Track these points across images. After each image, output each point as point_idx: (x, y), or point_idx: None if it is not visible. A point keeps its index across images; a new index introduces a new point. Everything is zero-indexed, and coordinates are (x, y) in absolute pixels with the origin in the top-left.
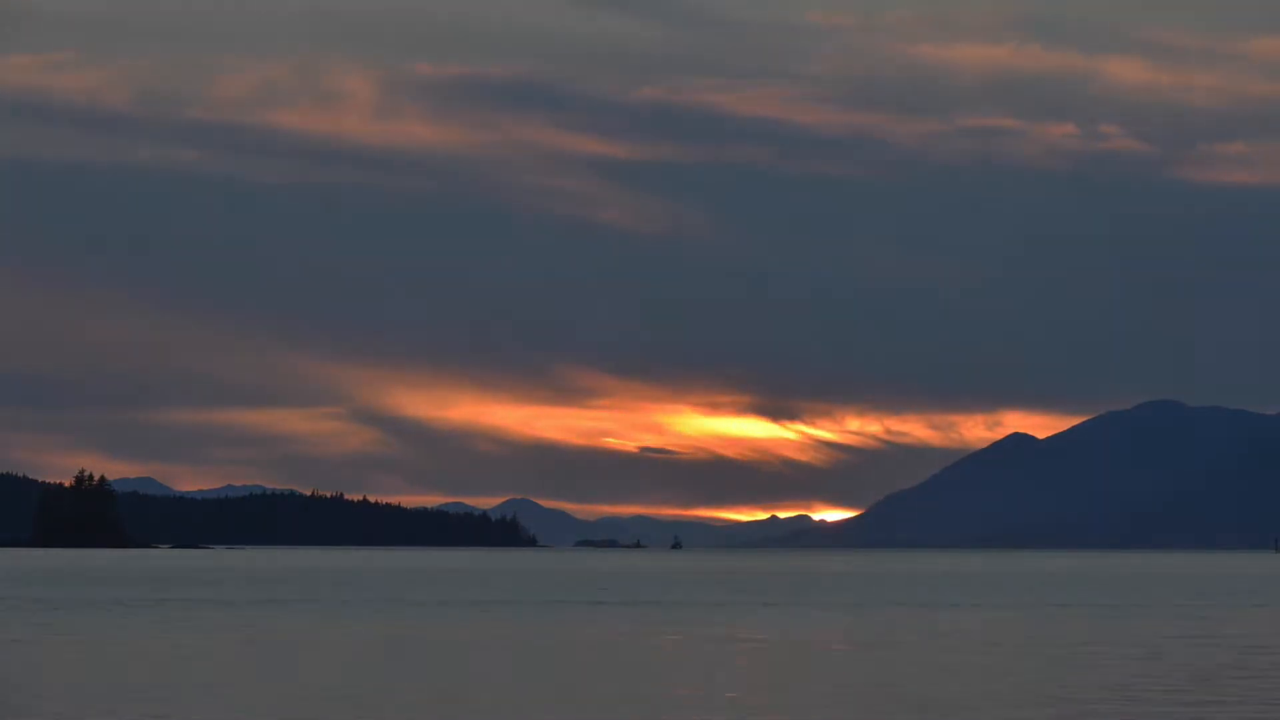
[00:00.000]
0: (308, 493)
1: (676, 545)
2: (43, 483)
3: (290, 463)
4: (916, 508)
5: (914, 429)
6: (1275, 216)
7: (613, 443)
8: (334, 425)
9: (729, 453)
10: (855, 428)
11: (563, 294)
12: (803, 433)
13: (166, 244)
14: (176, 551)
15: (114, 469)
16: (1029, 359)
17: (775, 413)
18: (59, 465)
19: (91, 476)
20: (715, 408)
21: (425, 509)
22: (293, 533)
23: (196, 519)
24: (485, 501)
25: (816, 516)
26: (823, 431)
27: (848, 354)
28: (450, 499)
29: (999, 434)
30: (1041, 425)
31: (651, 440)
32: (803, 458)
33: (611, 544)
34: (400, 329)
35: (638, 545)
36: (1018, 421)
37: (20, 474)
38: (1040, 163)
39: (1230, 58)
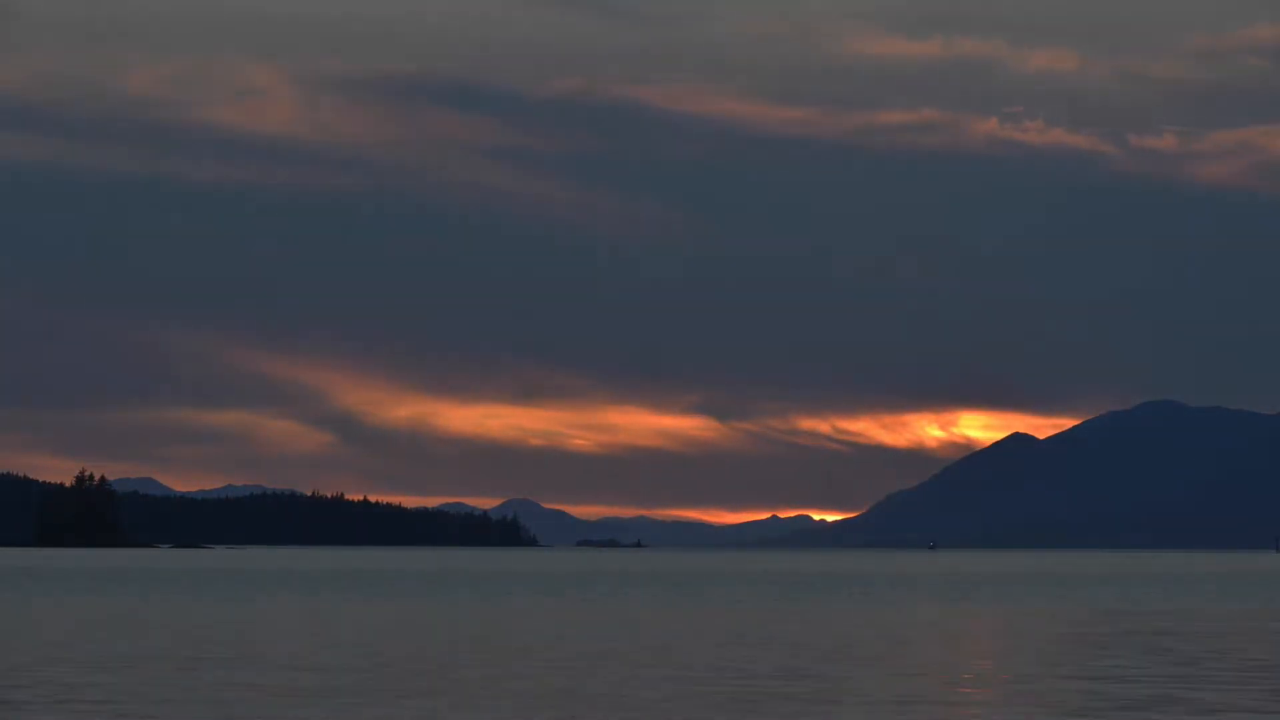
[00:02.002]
0: (308, 493)
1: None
2: (43, 483)
3: (254, 462)
4: (917, 508)
5: (864, 429)
6: (1239, 211)
7: (579, 442)
8: (288, 426)
9: (688, 451)
10: (807, 427)
11: (502, 291)
12: (754, 434)
13: (93, 241)
14: (180, 552)
15: (112, 469)
16: (1027, 360)
17: (722, 413)
18: (59, 465)
19: (91, 476)
20: (662, 407)
21: (425, 509)
22: (293, 533)
23: (197, 519)
24: (486, 502)
25: (817, 516)
26: (790, 431)
27: (796, 353)
28: (444, 500)
29: (953, 435)
30: (1041, 425)
31: (605, 439)
32: (777, 457)
33: (612, 544)
34: (347, 327)
35: (638, 545)
36: (1017, 422)
37: (20, 474)
38: (979, 157)
39: (1158, 49)
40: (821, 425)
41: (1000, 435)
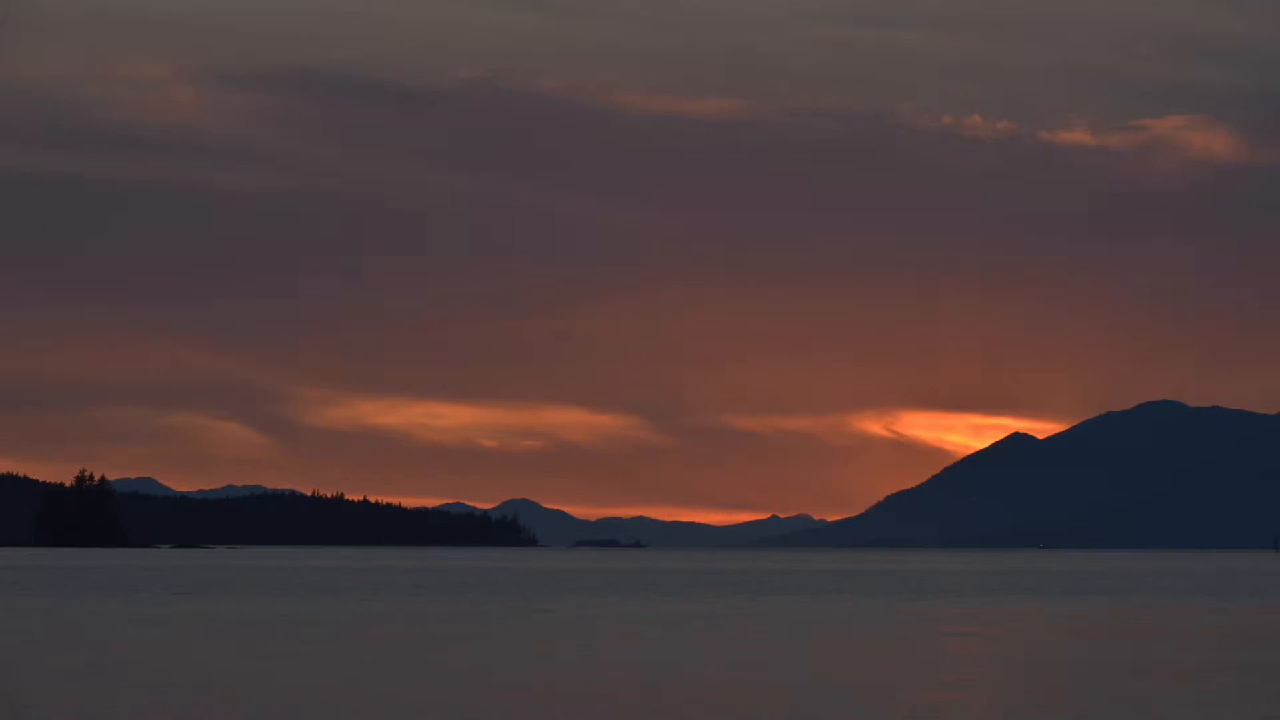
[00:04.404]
0: (308, 492)
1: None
2: (43, 483)
3: (201, 462)
4: (917, 508)
5: (804, 426)
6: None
7: (530, 443)
8: (229, 427)
9: (633, 452)
10: (744, 427)
11: (435, 284)
12: (699, 433)
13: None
14: (181, 551)
15: (112, 469)
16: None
17: (662, 412)
18: (59, 466)
19: (91, 476)
20: (601, 407)
21: (425, 509)
22: (293, 533)
23: (197, 519)
24: (485, 502)
25: (817, 516)
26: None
27: (734, 349)
28: (447, 500)
29: (897, 435)
30: (1041, 425)
31: (553, 439)
32: (754, 456)
33: (612, 544)
34: (273, 325)
35: (637, 545)
36: (1017, 423)
37: (20, 474)
38: (906, 147)
39: (1079, 40)
40: (758, 424)
41: (997, 436)
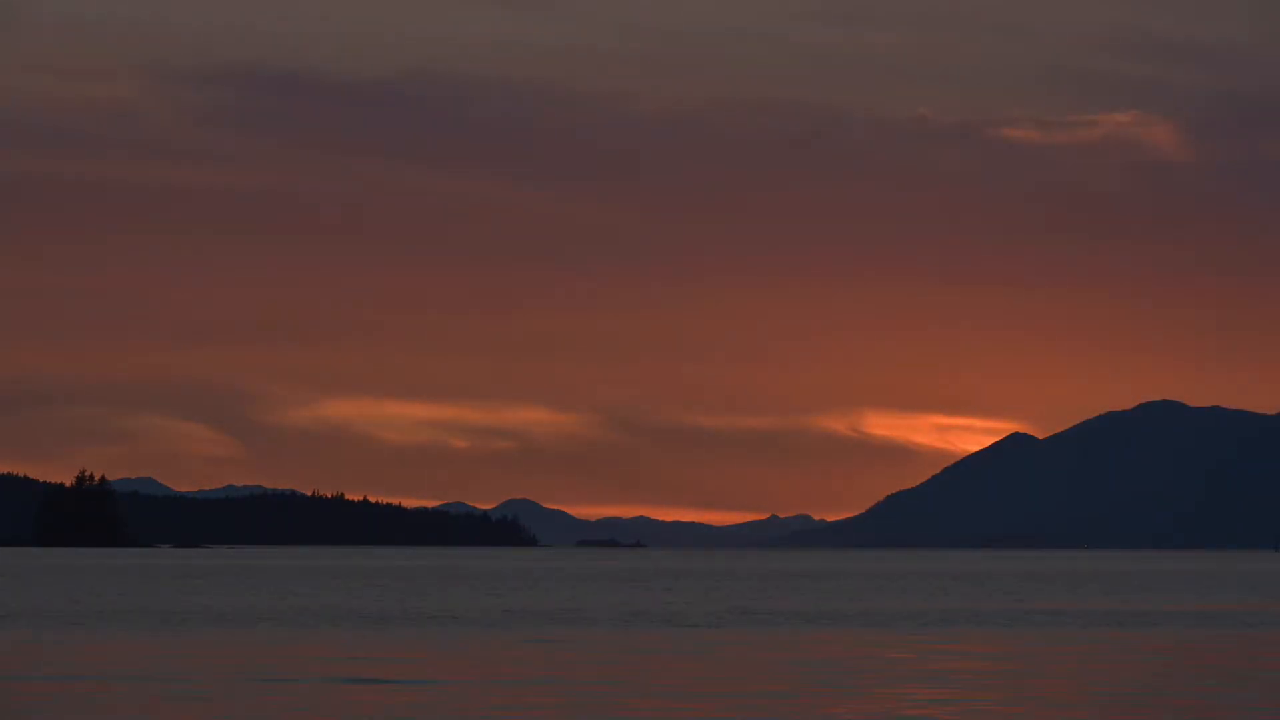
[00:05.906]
0: (308, 493)
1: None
2: (43, 483)
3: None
4: (917, 508)
5: (765, 424)
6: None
7: (504, 443)
8: (193, 428)
9: (598, 452)
10: (712, 426)
11: (396, 279)
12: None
13: None
14: (182, 551)
15: (112, 469)
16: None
17: (627, 410)
18: (59, 466)
19: (91, 476)
20: (565, 406)
21: (425, 509)
22: (292, 533)
23: (197, 519)
24: (486, 502)
25: (817, 516)
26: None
27: (693, 345)
28: (447, 500)
29: (860, 435)
30: (1042, 425)
31: (521, 437)
32: (744, 456)
33: (612, 544)
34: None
35: (638, 545)
36: (1016, 423)
37: (20, 474)
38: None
39: (1039, 34)
40: (720, 422)
41: (997, 436)
